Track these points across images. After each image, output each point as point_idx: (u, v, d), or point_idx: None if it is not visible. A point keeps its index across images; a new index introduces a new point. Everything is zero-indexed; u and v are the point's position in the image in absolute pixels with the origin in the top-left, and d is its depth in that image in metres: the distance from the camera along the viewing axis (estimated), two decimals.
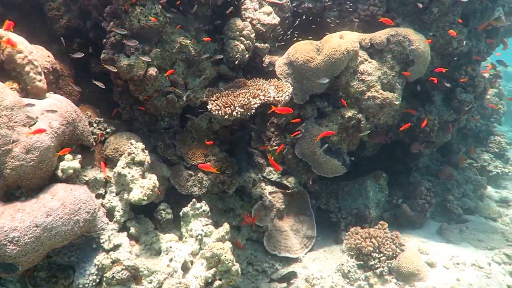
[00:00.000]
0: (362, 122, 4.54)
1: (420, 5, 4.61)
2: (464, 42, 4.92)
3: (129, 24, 3.79)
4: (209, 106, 3.76)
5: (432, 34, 4.92)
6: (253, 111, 3.67)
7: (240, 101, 3.57)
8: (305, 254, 4.76)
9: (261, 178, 4.87)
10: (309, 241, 4.88)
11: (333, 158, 4.64)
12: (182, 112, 4.41)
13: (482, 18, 5.29)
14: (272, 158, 4.58)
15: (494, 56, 6.46)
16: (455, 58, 5.09)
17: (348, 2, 5.09)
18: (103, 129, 4.06)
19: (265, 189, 4.84)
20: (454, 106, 5.17)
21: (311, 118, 4.67)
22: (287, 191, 4.83)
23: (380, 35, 4.56)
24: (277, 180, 4.90)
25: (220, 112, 3.61)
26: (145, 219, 3.84)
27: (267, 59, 5.07)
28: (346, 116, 4.52)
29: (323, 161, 4.60)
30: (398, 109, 4.88)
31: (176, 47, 4.05)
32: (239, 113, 3.54)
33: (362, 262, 4.32)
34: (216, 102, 3.68)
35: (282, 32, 5.27)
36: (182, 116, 4.46)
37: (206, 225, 3.80)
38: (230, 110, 3.56)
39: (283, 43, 5.28)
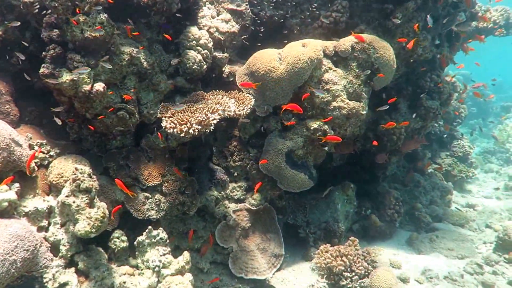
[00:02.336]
0: (328, 134, 4.34)
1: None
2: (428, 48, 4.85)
3: (71, 35, 3.42)
4: (163, 124, 3.43)
5: (396, 41, 4.81)
6: (211, 127, 3.38)
7: (197, 117, 3.27)
8: (273, 274, 4.50)
9: (224, 196, 4.57)
10: (277, 260, 4.63)
11: (300, 172, 4.42)
12: (136, 130, 4.06)
13: (446, 24, 5.25)
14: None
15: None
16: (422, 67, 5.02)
17: (311, 9, 4.91)
18: (46, 152, 3.65)
19: (228, 207, 4.55)
20: (420, 113, 5.09)
21: (275, 131, 4.43)
22: (253, 208, 4.57)
23: (345, 43, 4.39)
24: (242, 197, 4.63)
25: (175, 130, 3.30)
26: (96, 249, 3.46)
27: (227, 69, 4.80)
28: (312, 128, 4.31)
29: (289, 176, 4.37)
30: (365, 118, 4.74)
31: (126, 59, 3.70)
32: (196, 130, 3.24)
33: (333, 282, 4.11)
34: (171, 119, 3.36)
35: (242, 40, 5.02)
36: (137, 133, 4.11)
37: (164, 254, 3.47)
38: (186, 128, 3.25)
39: (244, 53, 5.04)
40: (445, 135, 7.25)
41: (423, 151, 6.95)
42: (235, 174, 4.65)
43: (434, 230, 5.79)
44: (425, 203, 6.21)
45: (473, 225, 6.21)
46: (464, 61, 7.08)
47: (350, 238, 4.31)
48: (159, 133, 3.83)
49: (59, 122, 3.52)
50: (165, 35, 3.94)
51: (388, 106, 4.51)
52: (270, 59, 4.17)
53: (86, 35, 3.39)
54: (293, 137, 4.34)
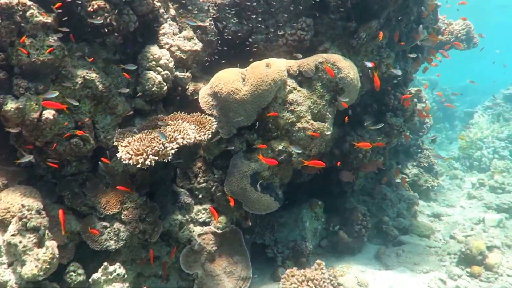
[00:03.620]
0: (294, 155, 4.27)
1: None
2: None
3: (16, 59, 3.19)
4: (118, 154, 3.26)
5: (360, 59, 4.81)
6: (170, 157, 3.23)
7: (155, 147, 3.12)
8: None
9: (189, 220, 4.43)
10: (244, 283, 4.52)
11: (265, 194, 4.33)
12: (94, 154, 3.86)
13: (408, 40, 5.30)
14: None
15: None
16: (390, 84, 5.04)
17: (277, 26, 4.83)
18: None
19: (193, 231, 4.41)
20: (385, 130, 5.10)
21: (239, 152, 4.32)
22: (218, 231, 4.44)
23: (309, 63, 4.33)
24: (207, 220, 4.49)
25: (131, 161, 3.13)
26: (51, 285, 3.25)
27: (191, 86, 4.65)
28: (277, 149, 4.23)
29: (254, 199, 4.27)
30: (331, 136, 4.71)
31: (80, 82, 3.50)
32: (153, 161, 3.09)
33: None
34: (126, 149, 3.19)
35: (207, 55, 4.88)
36: (95, 158, 3.91)
37: None
38: (142, 159, 3.09)
39: (208, 69, 4.91)
40: (412, 147, 7.37)
41: (390, 162, 7.02)
42: (200, 196, 4.51)
43: (401, 243, 5.85)
44: (392, 216, 6.26)
45: (438, 236, 6.32)
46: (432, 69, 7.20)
47: (316, 262, 4.26)
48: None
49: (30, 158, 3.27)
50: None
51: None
52: (233, 80, 4.06)
53: (33, 59, 3.18)
54: (258, 158, 4.24)
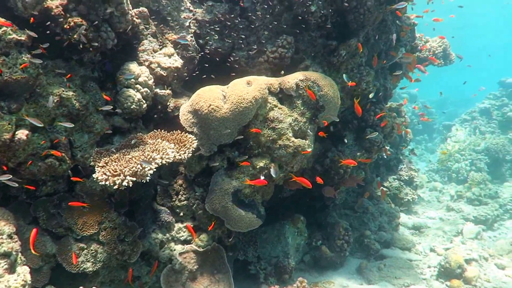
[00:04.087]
0: (274, 176, 4.26)
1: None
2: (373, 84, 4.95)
3: None
4: (95, 175, 3.18)
5: (340, 76, 4.87)
6: (148, 178, 3.17)
7: (132, 168, 3.05)
8: None
9: (170, 238, 4.35)
10: None
11: (247, 212, 4.30)
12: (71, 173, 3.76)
13: (387, 58, 5.40)
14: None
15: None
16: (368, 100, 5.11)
17: (258, 42, 4.86)
18: None
19: (174, 249, 4.32)
20: (365, 145, 5.16)
21: (221, 169, 4.29)
22: (200, 249, 4.37)
23: (289, 80, 4.35)
24: (188, 238, 4.42)
25: (108, 182, 3.06)
26: None
27: (171, 103, 4.60)
28: (258, 166, 4.21)
29: (236, 216, 4.23)
30: (313, 151, 4.73)
31: (55, 101, 3.42)
32: (130, 182, 3.03)
33: None
34: (103, 169, 3.12)
35: (188, 72, 4.85)
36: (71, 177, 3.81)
37: None
38: (119, 180, 3.02)
39: (190, 85, 4.88)
40: (393, 160, 7.46)
41: (372, 176, 7.09)
42: (181, 214, 4.44)
43: (383, 257, 5.89)
44: (373, 229, 6.31)
45: (419, 249, 6.40)
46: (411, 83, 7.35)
47: (298, 279, 4.23)
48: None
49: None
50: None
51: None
52: (214, 98, 4.04)
53: (6, 77, 3.09)
54: (240, 176, 4.21)
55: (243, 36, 4.90)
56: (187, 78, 4.89)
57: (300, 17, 4.65)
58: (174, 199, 4.44)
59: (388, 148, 7.20)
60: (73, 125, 3.47)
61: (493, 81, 14.50)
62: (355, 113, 4.86)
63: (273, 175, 4.13)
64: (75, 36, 3.45)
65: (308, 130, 4.38)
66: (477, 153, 10.74)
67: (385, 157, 7.53)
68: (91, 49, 3.59)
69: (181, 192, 4.44)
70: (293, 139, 4.26)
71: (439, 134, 15.38)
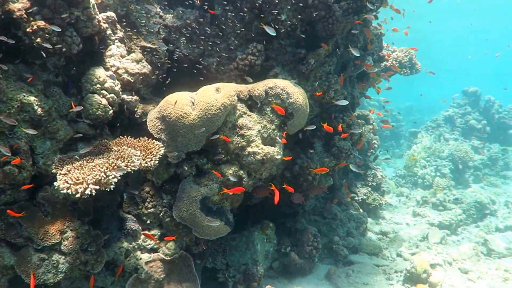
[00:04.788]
0: (244, 179, 4.27)
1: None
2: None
3: None
4: (56, 183, 3.08)
5: (309, 84, 4.94)
6: (112, 186, 3.10)
7: (96, 175, 2.98)
8: None
9: (136, 247, 4.26)
10: None
11: (215, 219, 4.27)
12: (32, 181, 3.62)
13: (355, 67, 5.53)
14: None
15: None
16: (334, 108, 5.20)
17: (228, 49, 4.86)
18: None
19: (140, 258, 4.24)
20: (333, 152, 5.25)
21: (189, 177, 4.25)
22: (167, 258, 4.30)
23: (259, 88, 4.38)
24: (155, 246, 4.34)
25: (70, 190, 2.97)
26: None
27: (139, 109, 4.53)
28: (227, 173, 4.20)
29: (204, 224, 4.20)
30: (282, 160, 4.76)
31: (16, 106, 3.30)
32: (93, 191, 2.95)
33: None
34: (65, 177, 3.03)
35: (157, 78, 4.80)
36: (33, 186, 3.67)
37: None
38: (82, 189, 2.94)
39: (158, 91, 4.82)
40: (361, 167, 7.61)
41: (340, 182, 7.21)
42: (148, 222, 4.36)
43: (351, 263, 5.99)
44: (342, 235, 6.40)
45: (386, 254, 6.53)
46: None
47: (267, 287, 4.23)
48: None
49: None
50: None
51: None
52: (182, 104, 4.01)
53: None
54: (208, 183, 4.19)
55: (212, 43, 4.90)
56: (155, 84, 4.83)
57: (270, 26, 4.69)
58: (141, 207, 4.36)
59: (356, 155, 7.37)
60: (36, 132, 3.36)
61: (458, 90, 15.12)
62: (324, 120, 4.95)
63: (233, 179, 4.13)
64: (38, 40, 3.35)
65: (277, 137, 4.42)
66: (441, 159, 11.14)
67: (354, 163, 7.68)
68: (55, 53, 3.49)
69: (148, 200, 4.37)
70: (262, 146, 4.28)
71: (406, 140, 15.86)
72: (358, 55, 4.68)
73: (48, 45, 3.35)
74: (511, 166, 11.89)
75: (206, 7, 4.89)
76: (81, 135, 3.78)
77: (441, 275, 5.49)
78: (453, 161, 10.96)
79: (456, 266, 6.13)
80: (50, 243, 3.58)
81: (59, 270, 3.58)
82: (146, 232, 4.21)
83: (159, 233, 4.39)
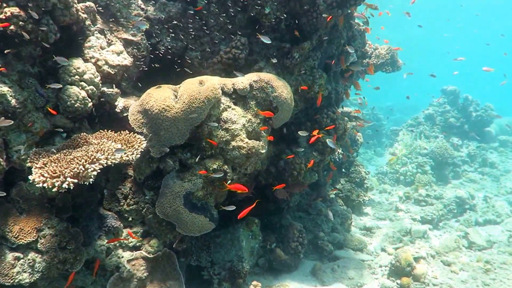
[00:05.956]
0: (229, 174, 4.19)
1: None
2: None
3: None
4: (31, 177, 2.93)
5: (294, 78, 4.90)
6: (91, 179, 2.98)
7: (74, 168, 2.85)
8: None
9: (118, 245, 4.12)
10: None
11: (200, 215, 4.18)
12: (6, 177, 3.46)
13: (339, 62, 5.52)
14: None
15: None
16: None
17: (212, 43, 4.78)
18: None
19: (122, 256, 4.10)
20: (318, 148, 5.22)
21: (172, 171, 4.14)
22: (150, 255, 4.18)
23: (243, 81, 4.31)
24: (138, 244, 4.22)
25: (46, 184, 2.83)
26: None
27: (120, 103, 4.40)
28: (211, 168, 4.11)
29: (188, 220, 4.10)
30: (267, 154, 4.71)
31: None
32: (71, 184, 2.82)
33: None
34: (41, 171, 2.89)
35: (138, 71, 4.67)
36: (6, 181, 3.50)
37: None
38: (59, 182, 2.81)
39: (140, 84, 4.70)
40: (345, 163, 7.64)
41: (325, 178, 7.20)
42: (130, 219, 4.23)
43: (336, 258, 5.98)
44: (327, 231, 6.39)
45: (370, 249, 6.56)
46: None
47: (252, 283, 4.17)
48: None
49: None
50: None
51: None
52: (165, 97, 3.91)
53: None
54: (192, 178, 4.09)
55: (196, 36, 4.81)
56: (137, 78, 4.71)
57: (254, 19, 4.64)
58: (122, 204, 4.22)
59: (340, 150, 7.38)
60: (12, 122, 3.20)
61: (437, 89, 15.39)
62: (309, 115, 4.91)
63: (219, 175, 4.05)
64: (11, 28, 3.20)
65: (262, 132, 4.36)
66: (422, 156, 11.30)
67: (338, 160, 7.70)
68: (30, 42, 3.34)
69: (129, 196, 4.24)
70: (246, 140, 4.21)
71: (388, 138, 16.05)
72: (352, 51, 4.65)
73: (23, 33, 3.20)
74: (488, 163, 12.15)
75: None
76: (61, 129, 3.64)
77: (425, 268, 5.54)
78: (434, 158, 11.12)
79: (439, 259, 6.20)
80: (25, 241, 3.42)
81: (36, 270, 3.43)
82: (128, 230, 4.08)
83: (142, 230, 4.26)
